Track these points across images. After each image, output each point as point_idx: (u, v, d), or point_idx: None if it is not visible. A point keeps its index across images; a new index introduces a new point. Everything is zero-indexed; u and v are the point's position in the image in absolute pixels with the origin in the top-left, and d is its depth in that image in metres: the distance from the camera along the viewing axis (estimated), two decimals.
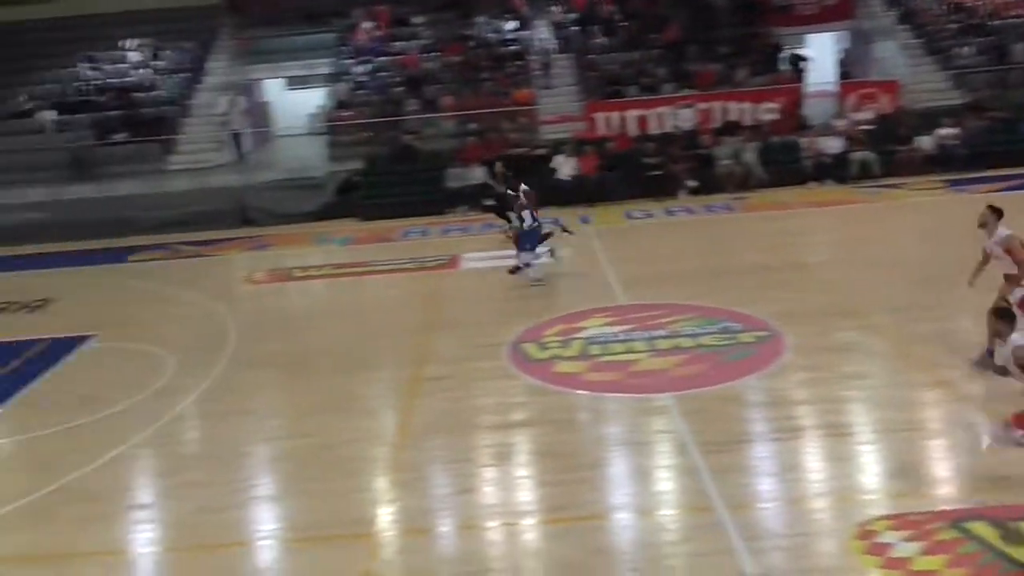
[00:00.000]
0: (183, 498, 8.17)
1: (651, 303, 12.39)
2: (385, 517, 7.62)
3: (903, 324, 10.89)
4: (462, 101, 22.41)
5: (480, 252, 16.39)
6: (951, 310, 10.94)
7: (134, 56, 25.54)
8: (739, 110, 21.50)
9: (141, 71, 25.07)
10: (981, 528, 6.43)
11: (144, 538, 7.67)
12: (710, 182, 19.81)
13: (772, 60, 22.93)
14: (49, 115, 23.22)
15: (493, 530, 7.31)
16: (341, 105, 23.02)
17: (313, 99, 24.48)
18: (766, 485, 7.61)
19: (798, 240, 16.01)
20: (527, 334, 11.59)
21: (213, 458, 8.97)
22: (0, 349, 12.74)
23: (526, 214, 13.80)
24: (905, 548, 6.32)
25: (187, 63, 25.15)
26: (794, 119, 21.40)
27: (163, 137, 22.66)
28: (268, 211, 20.69)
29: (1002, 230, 9.25)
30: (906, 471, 7.62)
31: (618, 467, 8.19)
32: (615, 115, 21.60)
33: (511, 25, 25.36)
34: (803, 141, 20.42)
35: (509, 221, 15.41)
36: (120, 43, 25.69)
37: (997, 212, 9.35)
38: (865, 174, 19.61)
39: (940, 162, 19.80)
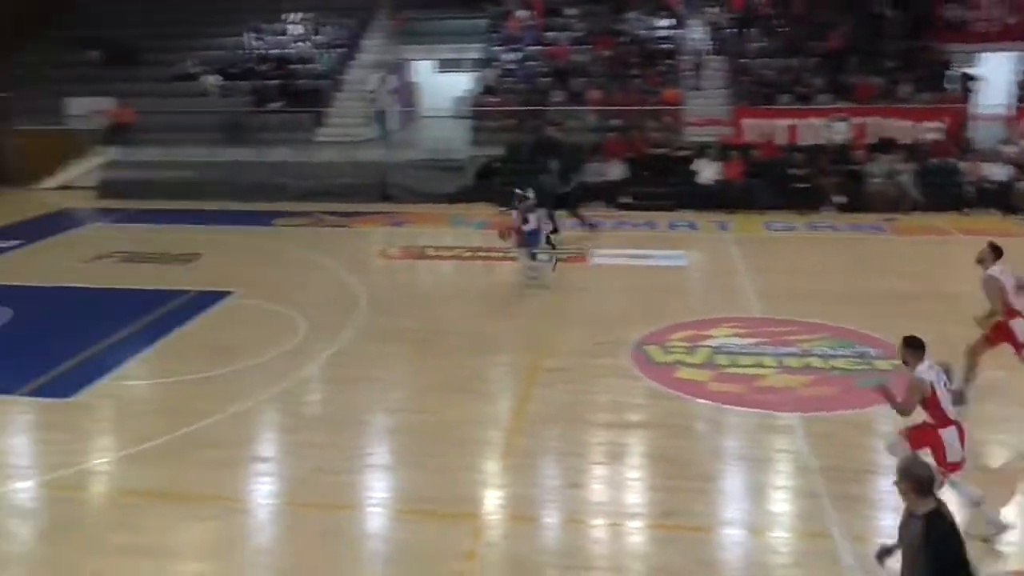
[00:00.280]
0: (302, 456, 8.47)
1: (785, 319, 12.00)
2: (493, 500, 7.66)
3: None
4: (608, 96, 22.26)
5: (610, 248, 16.31)
6: None
7: (296, 29, 26.57)
8: (898, 127, 20.48)
9: (301, 44, 26.07)
10: None
11: (262, 489, 8.00)
12: (859, 200, 19.03)
13: (939, 78, 21.67)
14: (214, 80, 24.46)
15: (599, 528, 7.24)
16: (488, 91, 23.26)
17: (461, 83, 24.79)
18: (889, 520, 7.18)
19: (948, 269, 15.09)
20: (652, 336, 11.43)
21: (334, 422, 9.25)
22: (149, 297, 13.57)
23: (532, 216, 13.79)
24: None
25: (344, 39, 25.96)
26: (957, 141, 20.25)
27: (315, 109, 23.45)
28: (408, 189, 21.15)
29: (994, 268, 9.03)
30: None
31: (733, 481, 7.97)
32: (764, 122, 20.99)
33: (665, 23, 25.01)
34: (965, 165, 19.29)
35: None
36: (284, 16, 26.78)
37: (997, 251, 9.13)
38: None
39: None
